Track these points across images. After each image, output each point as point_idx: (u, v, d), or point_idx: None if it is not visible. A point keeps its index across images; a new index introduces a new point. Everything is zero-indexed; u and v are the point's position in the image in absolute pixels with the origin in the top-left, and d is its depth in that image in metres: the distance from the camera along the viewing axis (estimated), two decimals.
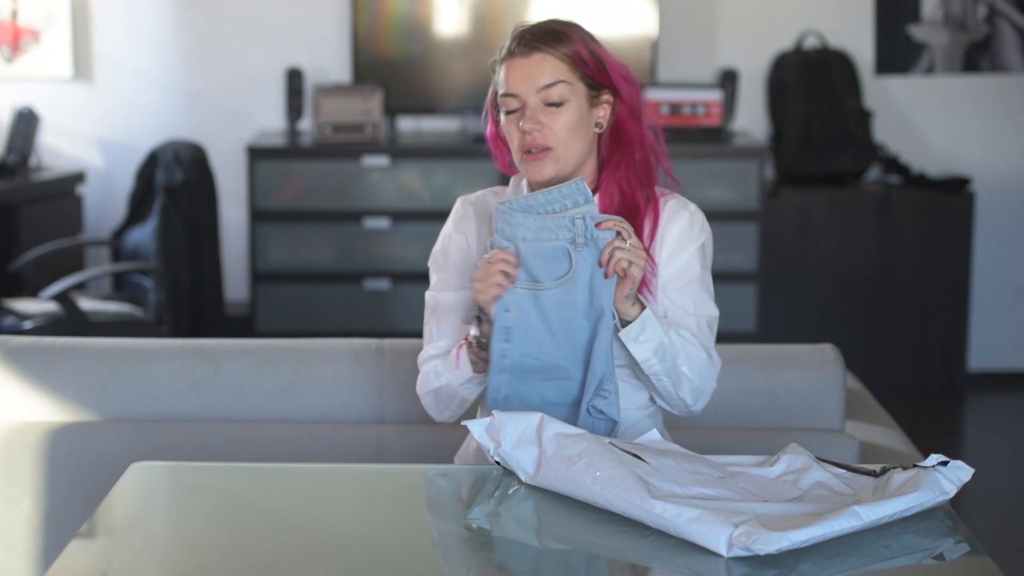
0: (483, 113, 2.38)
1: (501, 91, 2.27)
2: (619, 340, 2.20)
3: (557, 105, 2.23)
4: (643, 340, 2.18)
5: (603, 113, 2.28)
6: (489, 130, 2.36)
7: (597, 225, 2.16)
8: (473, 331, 2.23)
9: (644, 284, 2.26)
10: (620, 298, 2.17)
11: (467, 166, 5.12)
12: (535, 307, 2.19)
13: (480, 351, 2.24)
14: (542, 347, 2.21)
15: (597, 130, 2.29)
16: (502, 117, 2.29)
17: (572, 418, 2.21)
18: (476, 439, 2.05)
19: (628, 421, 2.31)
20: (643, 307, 2.19)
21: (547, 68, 2.23)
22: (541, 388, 2.22)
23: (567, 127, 2.24)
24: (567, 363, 2.22)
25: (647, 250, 2.25)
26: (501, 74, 2.27)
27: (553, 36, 2.25)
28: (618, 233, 2.15)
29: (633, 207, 2.28)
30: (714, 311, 2.30)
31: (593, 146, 2.30)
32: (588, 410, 2.20)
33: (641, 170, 2.30)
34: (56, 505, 2.63)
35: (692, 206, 2.34)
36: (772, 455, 2.04)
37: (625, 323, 2.19)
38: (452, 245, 2.37)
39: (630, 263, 2.14)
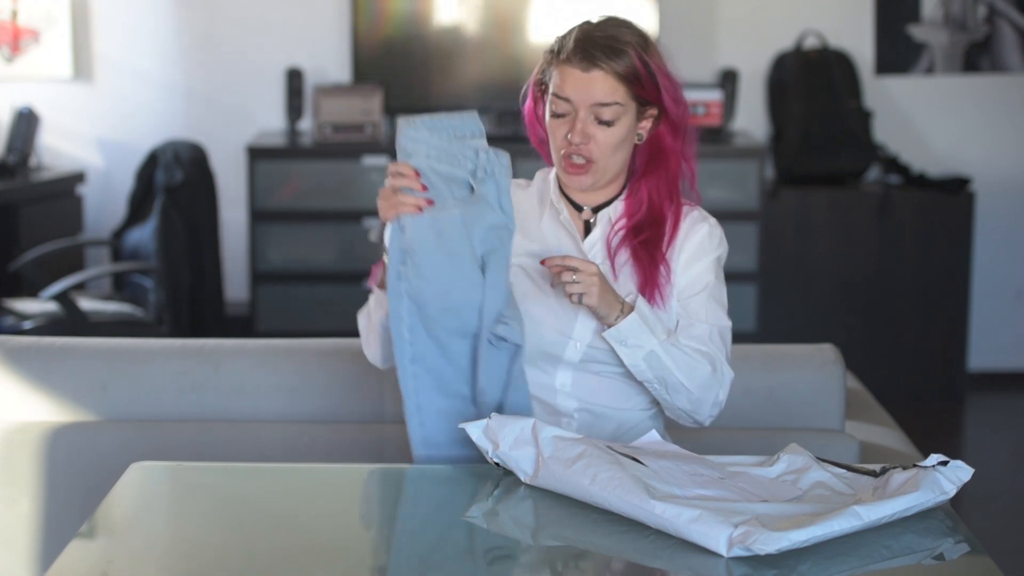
0: (524, 88, 2.37)
1: (553, 91, 2.26)
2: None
3: (608, 123, 2.23)
4: (631, 345, 2.19)
5: (645, 125, 2.29)
6: (528, 105, 2.37)
7: (542, 262, 2.19)
8: (378, 238, 2.23)
9: (656, 289, 2.26)
10: (596, 315, 2.20)
11: None
12: (433, 231, 2.17)
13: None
14: (440, 273, 2.18)
15: (637, 141, 2.30)
16: (548, 110, 2.28)
17: (474, 350, 2.20)
18: (474, 441, 2.05)
19: (629, 422, 2.31)
20: (631, 310, 2.19)
21: (605, 87, 2.22)
22: (443, 320, 2.19)
23: (613, 143, 2.25)
24: (467, 293, 2.19)
25: (663, 256, 2.27)
26: (555, 76, 2.26)
27: (614, 51, 2.22)
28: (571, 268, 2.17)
29: (659, 217, 2.30)
30: (726, 322, 2.29)
31: (630, 155, 2.32)
32: (489, 340, 2.19)
33: (671, 182, 2.32)
34: (56, 505, 2.63)
35: (712, 220, 2.35)
36: (772, 455, 2.04)
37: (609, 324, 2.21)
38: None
39: (580, 296, 2.16)
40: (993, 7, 5.56)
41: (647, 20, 5.25)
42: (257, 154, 5.16)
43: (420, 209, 2.16)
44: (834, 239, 5.30)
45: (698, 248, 2.31)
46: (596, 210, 2.33)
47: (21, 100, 5.42)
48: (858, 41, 5.56)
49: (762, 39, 5.52)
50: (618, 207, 2.33)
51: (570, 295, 2.17)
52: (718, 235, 2.34)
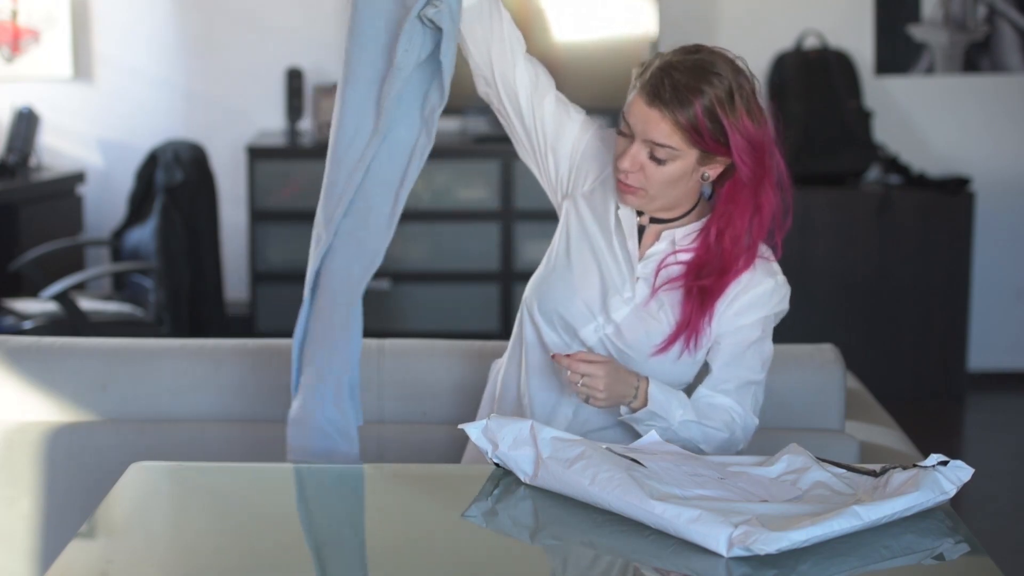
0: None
1: (623, 110, 2.21)
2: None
3: (660, 162, 2.18)
4: (647, 424, 2.19)
5: (713, 170, 2.22)
6: None
7: (553, 357, 2.18)
8: None
9: (694, 337, 2.23)
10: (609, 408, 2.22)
11: (467, 166, 5.12)
12: None
13: None
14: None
15: (704, 180, 2.24)
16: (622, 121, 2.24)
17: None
18: (473, 442, 2.05)
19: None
20: (644, 404, 2.18)
21: (661, 129, 2.16)
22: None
23: (663, 180, 2.20)
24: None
25: (712, 303, 2.23)
26: (630, 96, 2.21)
27: (679, 99, 2.15)
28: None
29: (728, 267, 2.24)
30: (760, 377, 2.26)
31: (697, 189, 2.26)
32: (420, 19, 2.20)
33: (753, 233, 2.26)
34: (56, 505, 2.63)
35: (780, 277, 2.31)
36: (772, 455, 2.04)
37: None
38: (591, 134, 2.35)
39: (587, 397, 2.16)
40: (993, 7, 5.56)
41: (647, 20, 5.25)
42: (257, 154, 5.16)
43: None
44: (834, 239, 5.30)
45: (755, 302, 2.26)
46: (656, 220, 2.28)
47: (21, 100, 5.43)
48: (858, 41, 5.56)
49: (762, 39, 5.52)
50: (689, 234, 2.26)
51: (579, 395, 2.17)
52: (781, 294, 2.30)
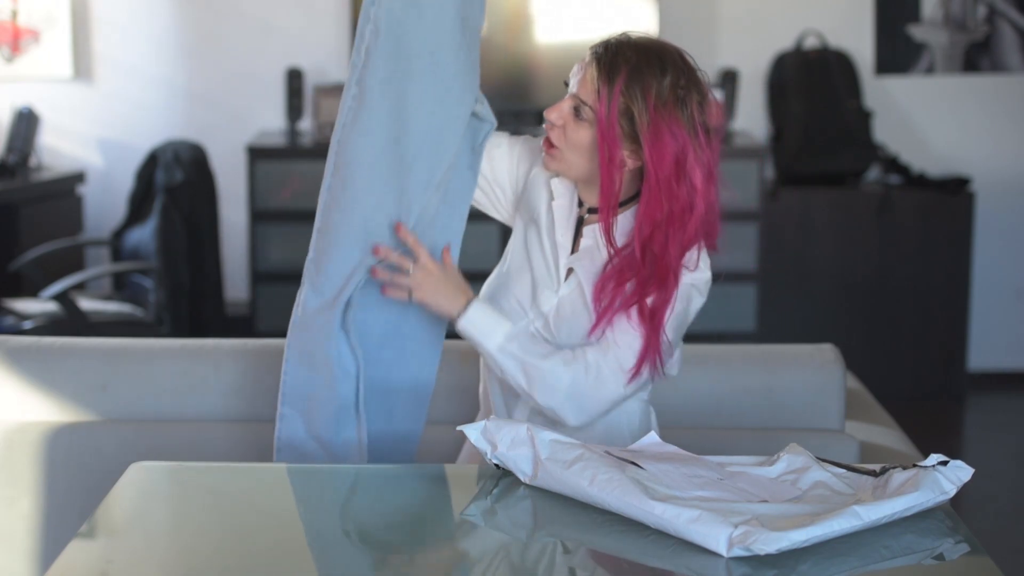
0: None
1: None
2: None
3: (579, 119, 2.19)
4: (478, 340, 2.21)
5: (631, 159, 2.18)
6: None
7: (374, 250, 2.22)
8: None
9: (658, 355, 2.20)
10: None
11: None
12: None
13: None
14: (421, 26, 2.24)
15: (623, 167, 2.19)
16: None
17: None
18: (473, 443, 2.05)
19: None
20: (467, 304, 2.21)
21: (589, 88, 2.17)
22: (423, 68, 2.24)
23: (578, 145, 2.19)
24: (460, 50, 2.27)
25: (662, 318, 2.19)
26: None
27: (612, 68, 2.15)
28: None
29: (666, 276, 2.18)
30: (630, 346, 2.18)
31: (621, 177, 2.21)
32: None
33: (673, 239, 2.17)
34: (56, 505, 2.63)
35: (699, 281, 2.25)
36: (772, 455, 2.04)
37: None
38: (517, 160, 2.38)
39: (410, 293, 2.22)
40: (993, 7, 5.56)
41: (647, 20, 5.25)
42: (257, 154, 5.16)
43: None
44: (834, 239, 5.30)
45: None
46: (594, 212, 2.27)
47: (21, 100, 5.43)
48: (858, 41, 5.56)
49: (762, 39, 5.52)
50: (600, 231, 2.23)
51: (391, 290, 2.20)
52: (685, 295, 2.23)
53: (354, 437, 2.33)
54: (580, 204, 2.29)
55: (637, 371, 2.19)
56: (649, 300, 2.18)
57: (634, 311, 2.18)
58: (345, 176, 2.27)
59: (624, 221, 2.23)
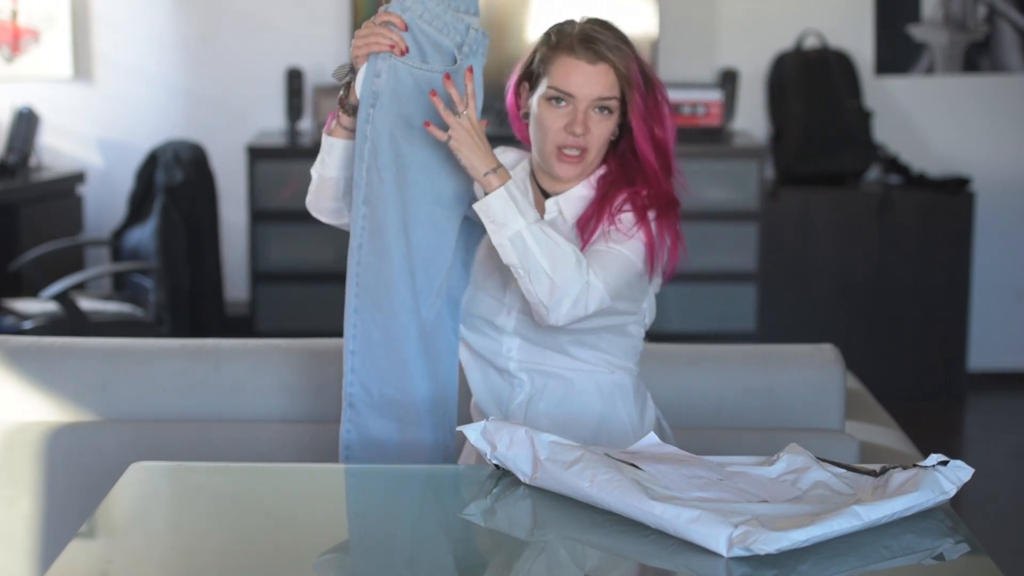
0: (507, 83, 2.42)
1: (553, 83, 2.29)
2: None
3: (608, 112, 2.29)
4: (498, 222, 2.17)
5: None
6: (510, 100, 2.41)
7: (426, 124, 2.18)
8: (347, 78, 2.28)
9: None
10: (465, 166, 2.20)
11: None
12: (414, 89, 2.22)
13: (349, 116, 2.30)
14: (414, 138, 2.23)
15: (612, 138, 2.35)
16: (536, 100, 2.32)
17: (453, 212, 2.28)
18: (472, 444, 2.05)
19: (583, 385, 2.35)
20: (502, 184, 2.18)
21: (609, 81, 2.28)
22: (421, 188, 2.25)
23: (605, 135, 2.31)
24: (448, 160, 2.25)
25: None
26: (556, 67, 2.30)
27: (618, 49, 2.29)
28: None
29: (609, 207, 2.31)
30: (618, 250, 2.26)
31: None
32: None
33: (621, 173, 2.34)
34: (56, 505, 2.63)
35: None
36: (772, 455, 2.04)
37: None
38: None
39: (449, 136, 2.17)
40: (993, 7, 5.56)
41: (647, 20, 5.25)
42: (257, 154, 5.16)
43: (394, 48, 2.20)
44: (834, 239, 5.30)
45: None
46: (545, 194, 2.37)
47: (21, 100, 5.42)
48: (858, 41, 5.56)
49: (762, 39, 5.52)
50: (575, 198, 2.35)
51: (432, 129, 2.18)
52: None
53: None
54: (545, 195, 2.38)
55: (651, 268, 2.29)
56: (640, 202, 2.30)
57: (624, 220, 2.28)
58: (373, 295, 2.28)
59: (581, 192, 2.34)
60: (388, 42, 2.21)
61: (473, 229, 2.34)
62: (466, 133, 2.17)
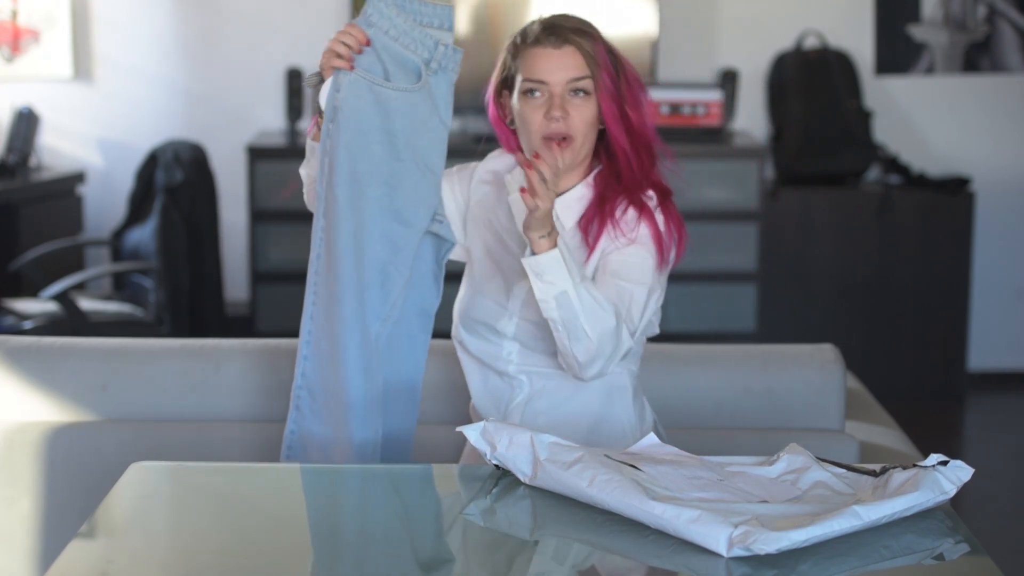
0: (486, 98, 2.44)
1: (526, 76, 2.32)
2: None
3: (583, 95, 2.31)
4: (546, 280, 2.18)
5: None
6: (492, 113, 2.43)
7: (522, 191, 2.17)
8: (317, 87, 2.28)
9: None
10: (527, 225, 2.19)
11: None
12: (375, 106, 2.22)
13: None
14: (372, 154, 2.24)
15: (600, 126, 2.36)
16: (516, 100, 2.34)
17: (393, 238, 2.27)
18: (472, 444, 2.05)
19: (582, 388, 2.36)
20: (554, 246, 2.18)
21: (578, 61, 2.31)
22: (377, 203, 2.26)
23: (588, 119, 2.32)
24: (408, 196, 2.26)
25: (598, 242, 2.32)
26: (525, 62, 2.33)
27: (582, 32, 2.32)
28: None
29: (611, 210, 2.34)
30: (641, 289, 2.28)
31: (594, 141, 2.39)
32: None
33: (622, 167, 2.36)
34: (56, 505, 2.63)
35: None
36: (772, 455, 2.04)
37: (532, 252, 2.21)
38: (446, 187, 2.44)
39: (536, 206, 2.16)
40: (993, 7, 5.56)
41: (647, 20, 5.25)
42: (257, 154, 5.16)
43: (351, 65, 2.21)
44: (834, 239, 5.30)
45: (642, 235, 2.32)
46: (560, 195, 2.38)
47: (21, 100, 5.42)
48: (858, 41, 5.56)
49: (762, 39, 5.52)
50: (572, 201, 2.36)
51: (524, 195, 2.17)
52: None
53: (372, 436, 2.33)
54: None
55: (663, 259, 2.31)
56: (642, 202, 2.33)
57: (632, 262, 2.29)
58: (325, 306, 2.30)
59: (580, 192, 2.36)
60: (341, 62, 2.22)
61: (442, 244, 2.36)
62: (549, 206, 2.18)
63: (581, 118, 2.31)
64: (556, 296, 2.19)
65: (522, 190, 2.16)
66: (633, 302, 2.28)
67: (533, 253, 2.20)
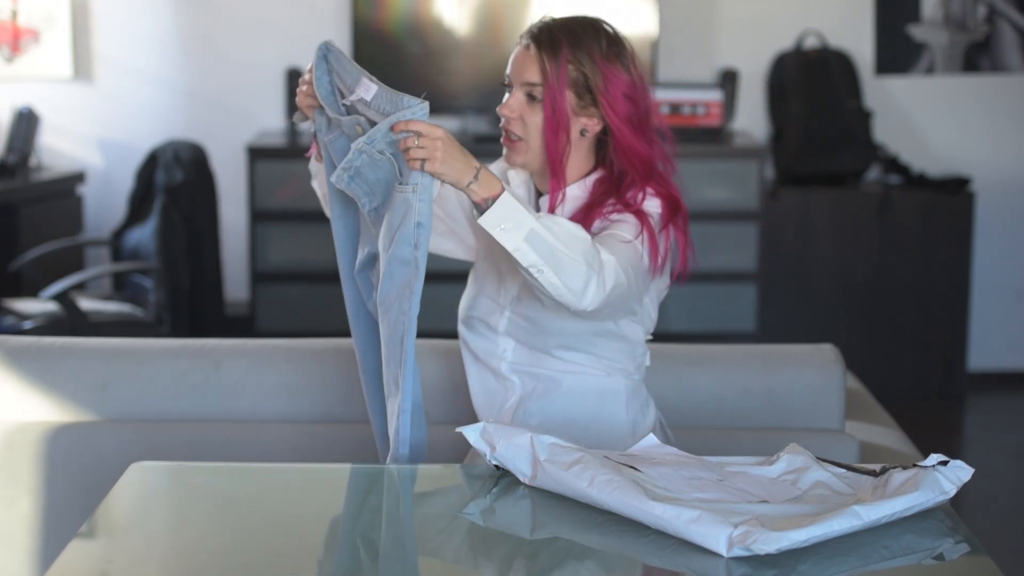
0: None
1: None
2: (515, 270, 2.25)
3: (535, 100, 2.29)
4: (508, 228, 2.08)
5: (591, 124, 2.32)
6: None
7: (392, 128, 2.08)
8: (304, 123, 2.31)
9: None
10: (468, 192, 2.10)
11: None
12: (344, 146, 2.20)
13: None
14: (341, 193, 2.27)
15: (583, 136, 2.32)
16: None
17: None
18: (472, 444, 2.05)
19: (577, 386, 2.37)
20: (501, 191, 2.09)
21: (534, 68, 2.29)
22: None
23: (539, 125, 2.30)
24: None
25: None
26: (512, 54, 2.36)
27: (553, 42, 2.28)
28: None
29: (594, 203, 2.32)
30: (620, 248, 2.23)
31: (582, 147, 2.34)
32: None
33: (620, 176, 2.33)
34: (56, 505, 2.63)
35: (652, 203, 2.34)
36: (772, 455, 2.04)
37: (481, 210, 2.10)
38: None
39: (422, 161, 2.07)
40: (993, 7, 5.56)
41: (647, 20, 5.25)
42: (257, 154, 5.16)
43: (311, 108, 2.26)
44: (834, 239, 5.30)
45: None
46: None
47: (21, 100, 5.42)
48: (858, 41, 5.56)
49: (762, 39, 5.52)
50: (572, 196, 2.35)
51: (411, 162, 2.07)
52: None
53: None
54: (540, 195, 2.39)
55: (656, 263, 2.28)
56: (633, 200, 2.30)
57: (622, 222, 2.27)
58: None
59: (574, 192, 2.34)
60: (313, 100, 2.24)
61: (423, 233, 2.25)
62: (440, 145, 2.07)
63: (532, 123, 2.30)
64: (526, 238, 2.08)
65: (409, 159, 2.07)
66: (604, 236, 2.23)
67: (482, 212, 2.09)
